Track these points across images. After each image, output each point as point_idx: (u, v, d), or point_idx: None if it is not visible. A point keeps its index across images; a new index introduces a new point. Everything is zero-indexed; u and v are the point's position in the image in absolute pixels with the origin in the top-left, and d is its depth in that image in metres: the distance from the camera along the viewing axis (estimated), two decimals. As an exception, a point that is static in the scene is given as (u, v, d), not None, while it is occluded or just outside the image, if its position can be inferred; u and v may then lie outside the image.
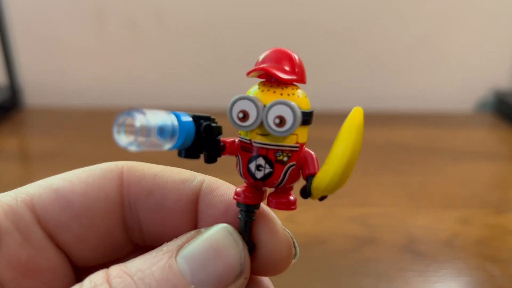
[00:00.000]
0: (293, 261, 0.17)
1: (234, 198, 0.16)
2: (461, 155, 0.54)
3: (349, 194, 0.44)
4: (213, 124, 0.15)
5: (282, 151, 0.15)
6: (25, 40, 0.67)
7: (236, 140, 0.16)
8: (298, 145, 0.15)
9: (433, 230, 0.38)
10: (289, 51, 0.15)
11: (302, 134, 0.15)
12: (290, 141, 0.15)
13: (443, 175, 0.49)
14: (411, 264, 0.33)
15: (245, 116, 0.15)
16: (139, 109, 0.12)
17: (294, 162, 0.15)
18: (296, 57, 0.15)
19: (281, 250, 0.16)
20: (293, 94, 0.15)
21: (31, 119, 0.65)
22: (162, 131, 0.13)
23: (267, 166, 0.15)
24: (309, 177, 0.15)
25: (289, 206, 0.16)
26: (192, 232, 0.15)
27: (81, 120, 0.63)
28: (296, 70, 0.15)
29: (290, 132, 0.14)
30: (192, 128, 0.14)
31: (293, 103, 0.14)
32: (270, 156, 0.15)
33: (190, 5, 0.65)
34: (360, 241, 0.36)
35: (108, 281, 0.13)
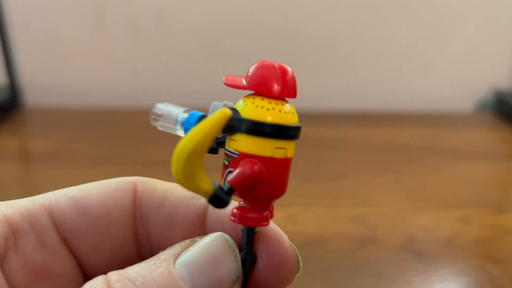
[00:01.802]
0: (296, 275, 0.17)
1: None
2: (461, 155, 0.54)
3: (349, 194, 0.44)
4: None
5: (227, 155, 0.15)
6: (25, 40, 0.67)
7: None
8: (237, 152, 0.15)
9: (433, 230, 0.38)
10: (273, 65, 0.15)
11: (244, 143, 0.15)
12: (230, 146, 0.15)
13: (443, 175, 0.49)
14: (411, 264, 0.33)
15: None
16: (165, 103, 0.17)
17: (233, 169, 0.15)
18: (286, 71, 0.15)
19: (285, 264, 0.16)
20: (262, 106, 0.15)
21: (31, 119, 0.65)
22: (173, 119, 0.17)
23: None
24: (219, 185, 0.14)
25: (259, 222, 0.15)
26: (187, 241, 0.15)
27: (81, 120, 0.63)
28: (250, 80, 0.15)
29: None
30: (195, 121, 0.16)
31: (213, 105, 0.15)
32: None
33: (191, 4, 0.65)
34: (360, 241, 0.36)
35: (109, 285, 0.13)
